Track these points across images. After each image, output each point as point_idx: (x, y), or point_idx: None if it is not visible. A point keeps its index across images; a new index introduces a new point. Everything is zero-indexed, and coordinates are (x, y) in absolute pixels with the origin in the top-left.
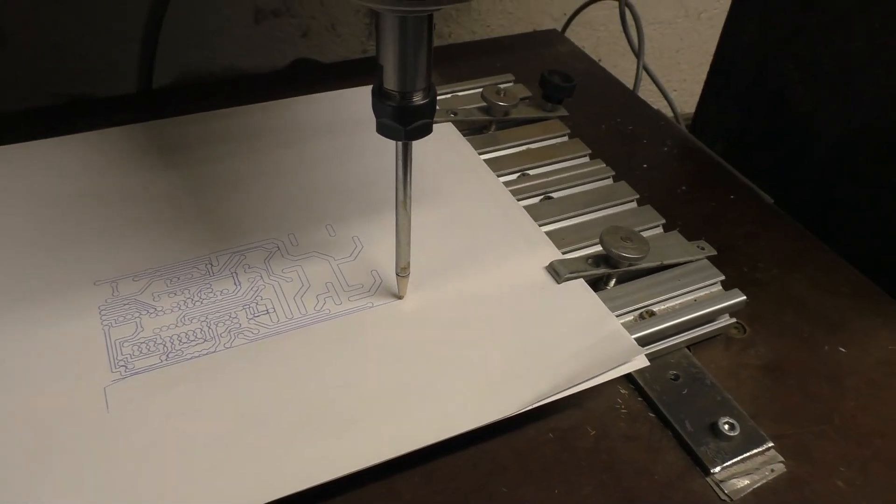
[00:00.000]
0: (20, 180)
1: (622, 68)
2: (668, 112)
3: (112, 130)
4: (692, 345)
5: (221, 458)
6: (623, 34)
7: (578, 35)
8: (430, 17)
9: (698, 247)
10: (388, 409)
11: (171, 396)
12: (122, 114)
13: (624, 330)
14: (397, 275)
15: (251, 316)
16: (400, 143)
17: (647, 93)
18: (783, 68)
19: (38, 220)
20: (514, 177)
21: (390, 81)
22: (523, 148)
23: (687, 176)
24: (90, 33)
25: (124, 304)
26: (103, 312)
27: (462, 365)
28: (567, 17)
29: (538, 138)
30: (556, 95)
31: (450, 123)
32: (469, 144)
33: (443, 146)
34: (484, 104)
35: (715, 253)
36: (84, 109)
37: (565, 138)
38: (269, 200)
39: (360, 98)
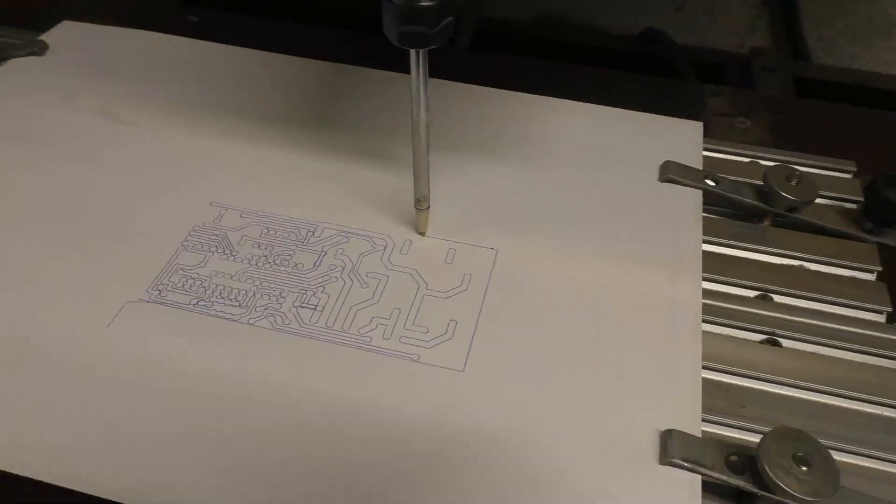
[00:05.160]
0: (237, 81)
1: None
2: None
3: (360, 70)
4: None
5: (163, 428)
6: None
7: None
8: None
9: None
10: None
11: (166, 343)
12: None
13: None
14: (416, 208)
15: (297, 304)
16: (413, 53)
17: None
18: None
19: (231, 126)
20: (749, 293)
21: None
22: (793, 262)
23: None
24: None
25: (214, 234)
26: (192, 233)
27: None
28: None
29: (827, 259)
30: (884, 214)
31: (698, 191)
32: (699, 228)
33: (663, 216)
34: (762, 184)
35: None
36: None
37: (870, 276)
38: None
39: (655, 125)
